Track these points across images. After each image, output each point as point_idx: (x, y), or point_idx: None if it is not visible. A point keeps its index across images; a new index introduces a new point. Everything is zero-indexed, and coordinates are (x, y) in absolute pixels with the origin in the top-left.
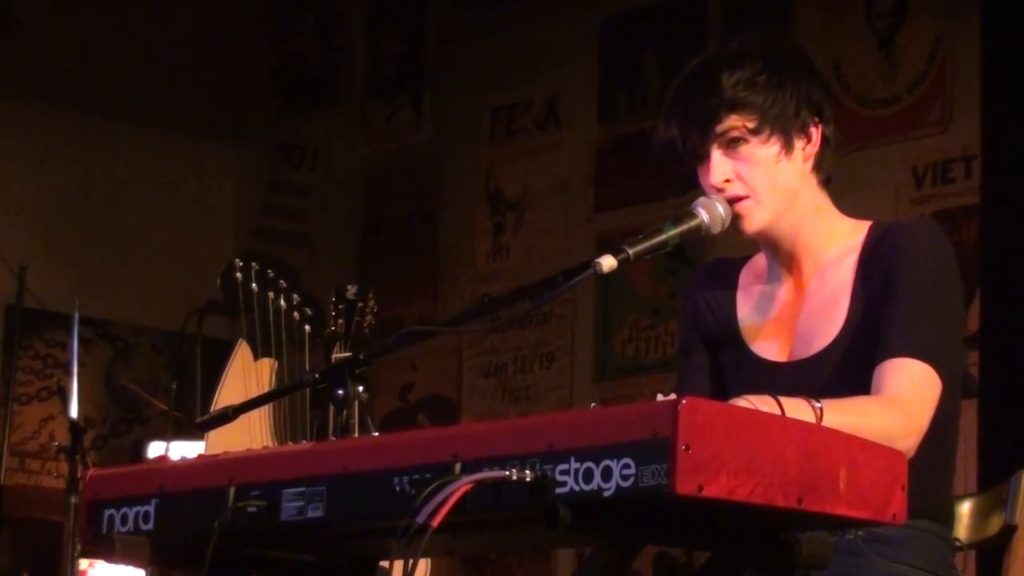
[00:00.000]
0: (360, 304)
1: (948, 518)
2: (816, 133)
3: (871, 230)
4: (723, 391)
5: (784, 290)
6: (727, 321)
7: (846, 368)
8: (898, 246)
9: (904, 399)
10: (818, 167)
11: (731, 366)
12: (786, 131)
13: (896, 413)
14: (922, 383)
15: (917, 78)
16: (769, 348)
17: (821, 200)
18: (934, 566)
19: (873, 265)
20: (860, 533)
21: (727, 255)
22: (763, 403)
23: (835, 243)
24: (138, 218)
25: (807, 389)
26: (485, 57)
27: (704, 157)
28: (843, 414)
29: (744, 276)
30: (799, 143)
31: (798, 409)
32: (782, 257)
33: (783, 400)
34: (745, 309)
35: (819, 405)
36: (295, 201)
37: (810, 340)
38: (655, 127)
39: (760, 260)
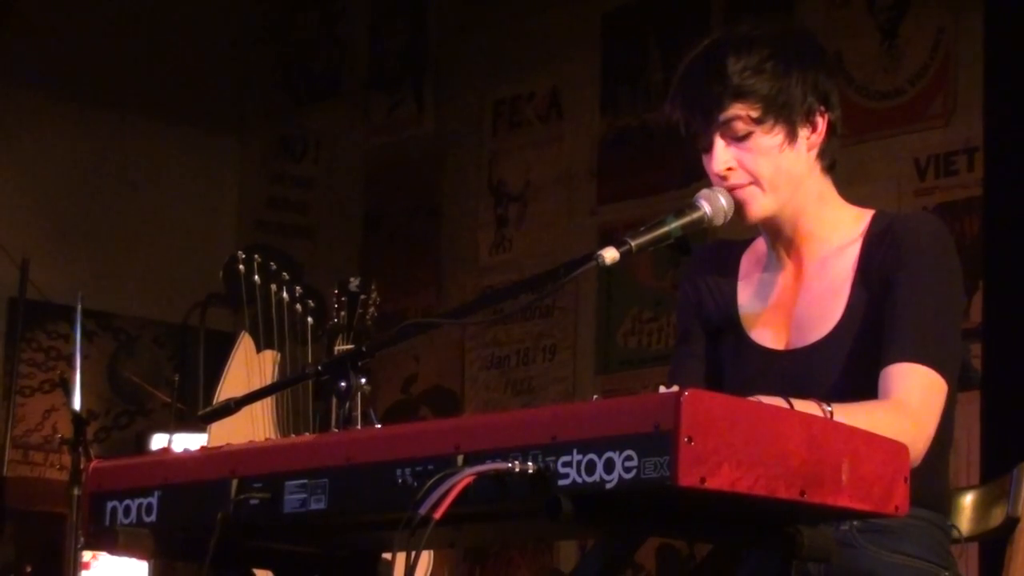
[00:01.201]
0: (363, 296)
1: (943, 507)
2: (822, 122)
3: (873, 220)
4: (720, 377)
5: (784, 277)
6: (727, 307)
7: (842, 360)
8: (901, 242)
9: (913, 406)
10: (823, 154)
11: (729, 352)
12: (791, 120)
13: (905, 421)
14: (930, 390)
15: (920, 70)
16: (767, 335)
17: (825, 188)
18: (931, 554)
19: (874, 259)
20: (856, 524)
21: None
22: (773, 403)
23: (837, 232)
24: (141, 211)
25: (803, 378)
26: (487, 49)
27: (708, 145)
28: (853, 418)
29: (745, 261)
30: (804, 132)
31: (807, 410)
32: (783, 244)
33: (794, 401)
34: (745, 295)
35: (829, 409)
36: (298, 193)
37: (807, 330)
38: (660, 115)
39: (761, 245)
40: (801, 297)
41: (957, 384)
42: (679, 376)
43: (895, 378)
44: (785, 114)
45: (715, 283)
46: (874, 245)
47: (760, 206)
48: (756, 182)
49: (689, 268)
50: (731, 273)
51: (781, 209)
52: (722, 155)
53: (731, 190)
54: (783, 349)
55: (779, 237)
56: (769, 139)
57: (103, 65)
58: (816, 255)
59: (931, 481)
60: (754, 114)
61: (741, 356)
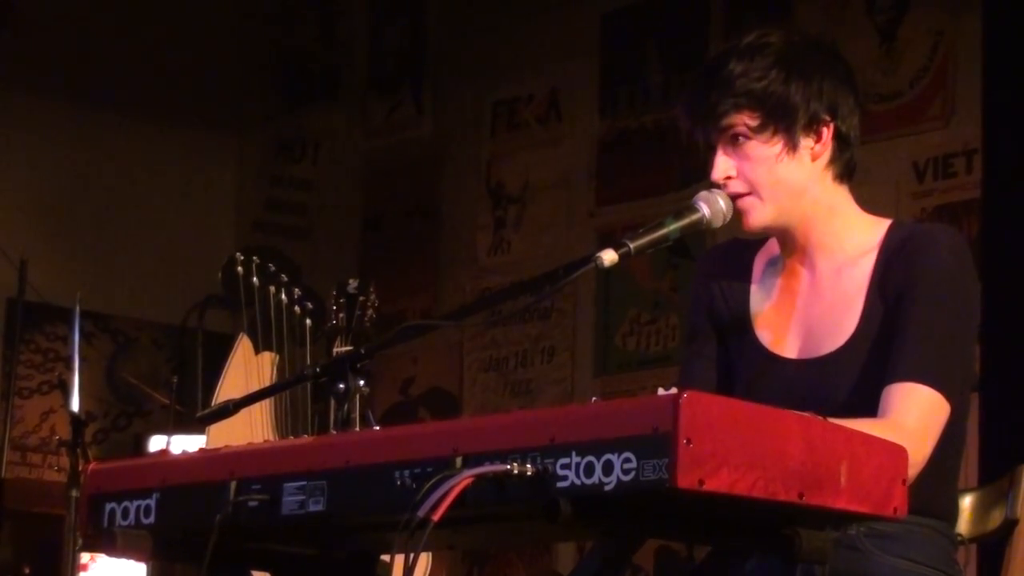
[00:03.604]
0: (361, 298)
1: (952, 516)
2: (827, 132)
3: (890, 231)
4: (730, 379)
5: (797, 284)
6: (739, 309)
7: (855, 373)
8: (917, 256)
9: (910, 428)
10: (833, 164)
11: (739, 355)
12: (791, 130)
13: (900, 441)
14: (930, 412)
15: (918, 72)
16: (778, 342)
17: (837, 197)
18: (936, 562)
19: (890, 272)
20: (862, 529)
21: None
22: None
23: (852, 241)
24: (139, 212)
25: (814, 389)
26: (486, 51)
27: (711, 151)
28: None
29: (759, 263)
30: (806, 142)
31: None
32: (795, 252)
33: None
34: (757, 299)
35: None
36: (296, 195)
37: (821, 340)
38: (659, 117)
39: (774, 247)
40: (814, 306)
41: (968, 398)
42: (689, 377)
43: (895, 397)
44: (785, 123)
45: (727, 284)
46: (890, 257)
47: (759, 216)
48: (755, 191)
49: (701, 268)
50: (744, 275)
51: (783, 219)
52: (721, 163)
53: (731, 198)
54: (795, 358)
55: (790, 245)
56: (767, 148)
57: (101, 66)
58: (830, 264)
59: (941, 492)
60: (752, 122)
61: (752, 361)
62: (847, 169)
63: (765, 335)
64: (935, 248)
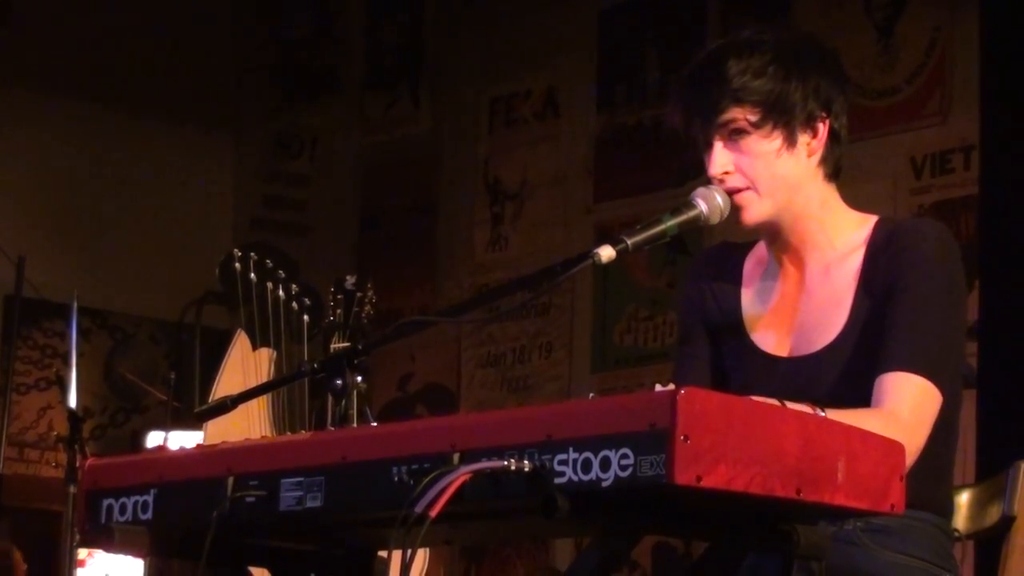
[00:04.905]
0: (359, 294)
1: (948, 511)
2: (823, 128)
3: (877, 227)
4: (723, 380)
5: (788, 282)
6: (730, 310)
7: (845, 369)
8: (903, 250)
9: (904, 416)
10: (825, 161)
11: (732, 356)
12: (789, 125)
13: (895, 431)
14: (923, 400)
15: (916, 69)
16: (770, 341)
17: (828, 194)
18: (933, 556)
19: (878, 266)
20: (859, 524)
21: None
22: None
23: (840, 238)
24: (137, 208)
25: (806, 386)
26: (484, 47)
27: (707, 147)
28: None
29: (748, 264)
30: (803, 137)
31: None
32: (785, 250)
33: (787, 404)
34: (748, 299)
35: (822, 413)
36: (294, 192)
37: (811, 337)
38: (657, 113)
39: (763, 249)
40: (804, 304)
41: (961, 391)
42: (683, 378)
43: (888, 387)
44: (784, 119)
45: (718, 287)
46: (878, 253)
47: (756, 211)
48: (753, 186)
49: (691, 271)
50: (734, 277)
51: (779, 214)
52: (720, 158)
53: (729, 193)
54: (786, 356)
55: (780, 243)
56: (767, 143)
57: (98, 62)
58: (819, 262)
59: (936, 485)
60: (752, 118)
61: (744, 361)
62: (836, 167)
63: (758, 335)
64: (921, 241)
